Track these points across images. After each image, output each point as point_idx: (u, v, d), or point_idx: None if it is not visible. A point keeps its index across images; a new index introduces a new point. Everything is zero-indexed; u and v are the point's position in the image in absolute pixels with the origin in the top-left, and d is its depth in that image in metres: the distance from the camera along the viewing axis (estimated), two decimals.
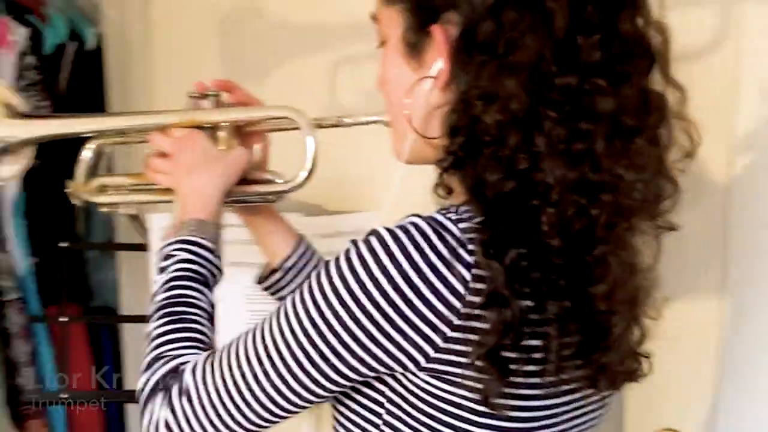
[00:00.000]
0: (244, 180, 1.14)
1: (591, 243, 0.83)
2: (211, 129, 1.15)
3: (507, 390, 0.84)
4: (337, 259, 0.85)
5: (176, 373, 0.93)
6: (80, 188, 1.27)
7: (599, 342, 0.87)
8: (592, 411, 0.97)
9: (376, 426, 0.90)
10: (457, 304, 0.82)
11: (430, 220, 0.84)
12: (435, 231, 0.83)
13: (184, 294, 1.01)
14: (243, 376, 0.88)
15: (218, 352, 0.92)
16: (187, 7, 2.08)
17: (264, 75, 1.85)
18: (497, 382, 0.82)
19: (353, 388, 0.90)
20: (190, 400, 0.90)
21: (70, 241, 1.84)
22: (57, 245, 1.78)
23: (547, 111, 0.81)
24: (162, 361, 0.95)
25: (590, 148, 0.81)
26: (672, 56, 0.87)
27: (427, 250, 0.82)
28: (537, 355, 0.84)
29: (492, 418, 0.85)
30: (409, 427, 0.87)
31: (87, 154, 1.27)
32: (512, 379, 0.84)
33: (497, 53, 0.82)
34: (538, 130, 0.81)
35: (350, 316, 0.83)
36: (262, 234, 1.30)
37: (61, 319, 1.86)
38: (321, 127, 1.14)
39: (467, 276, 0.82)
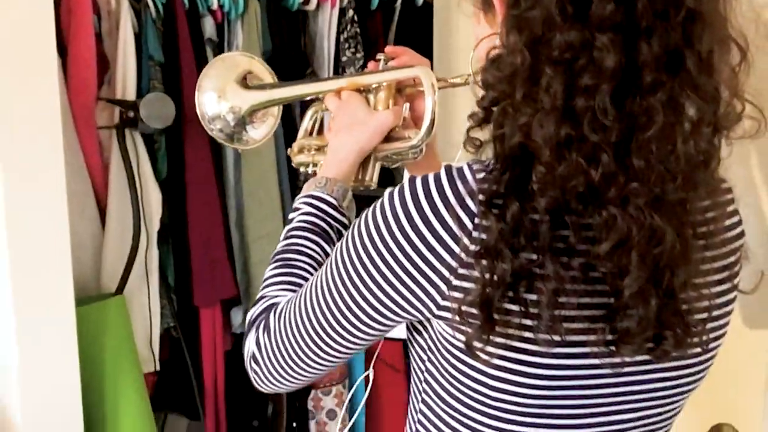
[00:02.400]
0: (389, 137, 1.19)
1: (599, 203, 0.80)
2: (375, 90, 1.22)
3: (499, 340, 0.84)
4: (367, 209, 0.91)
5: (268, 312, 1.03)
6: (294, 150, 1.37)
7: (609, 305, 0.83)
8: (636, 384, 0.90)
9: (422, 371, 0.94)
10: (457, 249, 0.84)
11: (452, 169, 0.86)
12: (449, 179, 0.85)
13: (297, 243, 1.10)
14: (302, 318, 0.96)
15: (297, 294, 1.00)
16: None
17: None
18: (481, 330, 0.83)
19: (411, 335, 0.95)
20: (269, 336, 1.01)
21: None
22: None
23: (544, 67, 0.79)
24: (262, 301, 1.07)
25: (590, 106, 0.78)
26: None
27: (435, 196, 0.85)
28: (534, 310, 0.83)
29: (503, 371, 0.85)
30: (440, 374, 0.91)
31: (306, 119, 1.36)
32: (505, 330, 0.83)
33: (520, 8, 0.82)
34: (539, 86, 0.79)
35: (370, 261, 0.88)
36: None
37: None
38: (454, 86, 1.19)
39: (469, 225, 0.83)
